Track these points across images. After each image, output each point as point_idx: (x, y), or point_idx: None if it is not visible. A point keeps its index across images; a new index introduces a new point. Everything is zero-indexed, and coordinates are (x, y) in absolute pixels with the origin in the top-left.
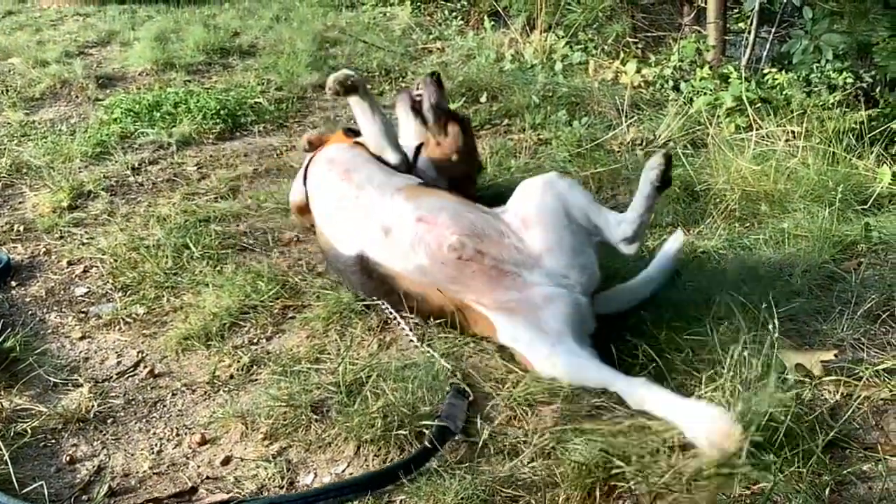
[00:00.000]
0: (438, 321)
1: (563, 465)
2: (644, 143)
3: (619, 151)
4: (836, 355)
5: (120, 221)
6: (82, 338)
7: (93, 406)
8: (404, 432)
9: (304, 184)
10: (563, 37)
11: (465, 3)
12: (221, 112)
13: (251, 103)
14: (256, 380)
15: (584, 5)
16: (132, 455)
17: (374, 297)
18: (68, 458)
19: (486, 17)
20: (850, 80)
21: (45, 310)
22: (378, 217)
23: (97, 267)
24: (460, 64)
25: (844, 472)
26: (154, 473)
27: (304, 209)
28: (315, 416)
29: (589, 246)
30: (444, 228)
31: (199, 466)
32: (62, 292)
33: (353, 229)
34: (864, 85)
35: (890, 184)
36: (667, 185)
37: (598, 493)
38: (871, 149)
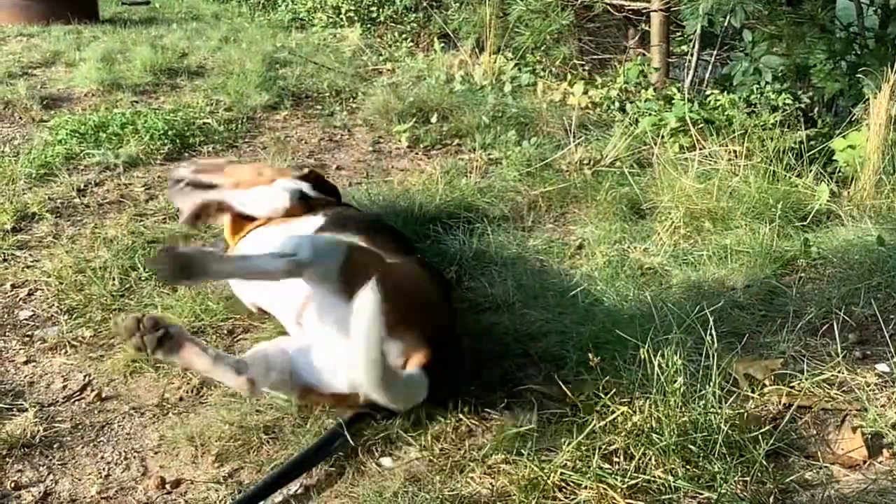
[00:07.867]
0: None
1: (513, 481)
2: (592, 163)
3: (567, 171)
4: (783, 363)
5: (65, 243)
6: (27, 362)
7: (38, 431)
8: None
9: None
10: (511, 59)
11: (415, 26)
12: (169, 133)
13: (200, 124)
14: (207, 402)
15: (532, 28)
16: (79, 480)
17: None
18: (13, 485)
19: (435, 39)
20: (789, 101)
21: None
22: None
23: (42, 290)
24: (411, 85)
25: (787, 480)
26: (102, 498)
27: None
28: (267, 437)
29: None
30: None
31: (148, 490)
32: (6, 316)
33: None
34: (803, 105)
35: (828, 201)
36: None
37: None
38: (810, 167)
